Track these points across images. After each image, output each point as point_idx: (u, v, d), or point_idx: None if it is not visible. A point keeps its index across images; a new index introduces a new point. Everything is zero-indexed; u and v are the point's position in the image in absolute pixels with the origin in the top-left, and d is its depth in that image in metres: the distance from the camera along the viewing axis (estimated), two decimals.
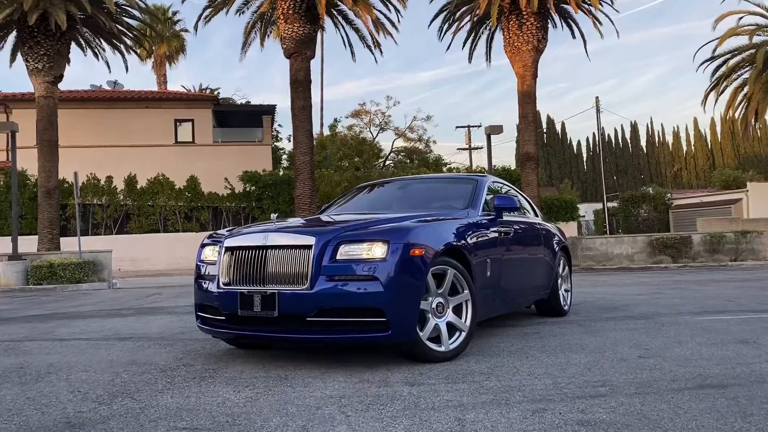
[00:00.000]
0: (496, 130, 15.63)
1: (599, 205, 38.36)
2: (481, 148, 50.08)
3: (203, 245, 4.30)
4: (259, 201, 22.87)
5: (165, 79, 38.41)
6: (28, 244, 18.63)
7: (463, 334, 4.04)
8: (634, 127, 65.62)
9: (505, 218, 5.05)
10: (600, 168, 39.17)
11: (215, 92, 43.78)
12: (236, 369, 3.80)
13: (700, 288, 9.54)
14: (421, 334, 3.78)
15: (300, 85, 20.21)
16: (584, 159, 64.69)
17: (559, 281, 6.24)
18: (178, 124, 24.86)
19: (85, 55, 21.44)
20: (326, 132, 40.03)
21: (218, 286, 3.93)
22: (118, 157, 23.38)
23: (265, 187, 22.80)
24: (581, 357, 3.99)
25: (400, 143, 44.06)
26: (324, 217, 4.61)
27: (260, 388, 3.28)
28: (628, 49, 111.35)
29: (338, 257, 3.63)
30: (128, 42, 20.86)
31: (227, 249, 3.98)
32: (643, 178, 61.02)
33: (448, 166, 39.70)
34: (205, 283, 4.08)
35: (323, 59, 42.25)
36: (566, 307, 6.34)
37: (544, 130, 64.09)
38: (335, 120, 39.57)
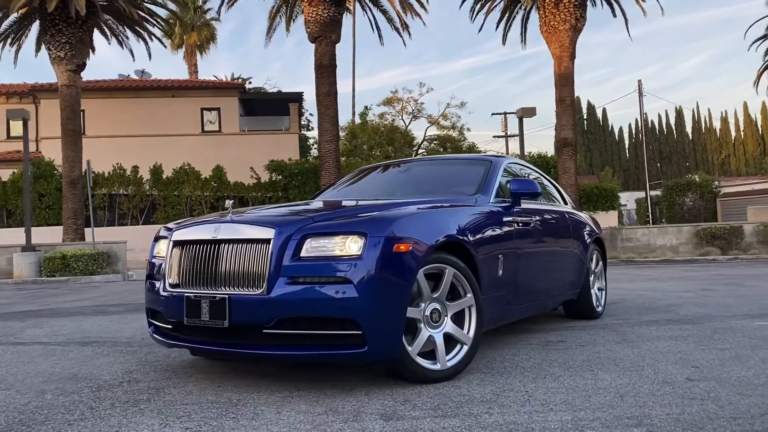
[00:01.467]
0: (529, 112, 14.67)
1: (641, 194, 36.81)
2: (515, 135, 48.82)
3: (156, 238, 3.63)
4: (285, 190, 22.33)
5: (196, 69, 38.24)
6: (55, 234, 18.50)
7: (465, 347, 3.29)
8: (679, 113, 63.10)
9: (524, 206, 4.26)
10: (643, 155, 37.52)
11: (247, 82, 43.56)
12: (185, 389, 3.12)
13: (756, 284, 8.52)
14: (409, 348, 3.04)
15: (325, 70, 19.54)
16: (626, 146, 62.60)
17: (591, 278, 5.41)
18: (204, 112, 24.48)
19: (109, 43, 21.18)
20: (358, 121, 39.30)
21: (164, 288, 3.26)
22: (144, 147, 23.11)
23: (291, 176, 22.24)
24: (613, 378, 3.19)
25: (434, 131, 43.13)
26: (298, 205, 3.85)
27: (196, 419, 2.59)
28: (672, 32, 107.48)
29: (303, 254, 2.91)
30: (151, 29, 20.50)
31: (176, 243, 3.30)
32: (688, 166, 58.69)
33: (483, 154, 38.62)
34: (155, 283, 3.41)
35: (355, 47, 41.47)
36: (599, 309, 5.51)
37: (585, 117, 62.18)
38: (365, 108, 38.81)
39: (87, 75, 20.45)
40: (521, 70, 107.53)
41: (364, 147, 35.74)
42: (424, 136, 43.07)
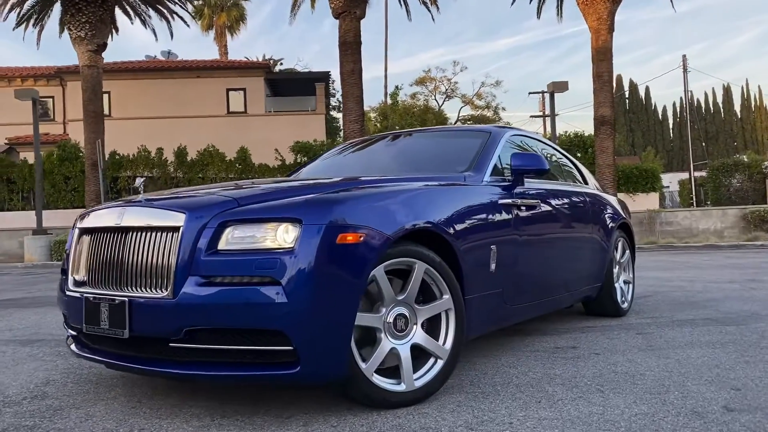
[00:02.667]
0: (561, 87, 13.76)
1: (685, 175, 35.19)
2: (557, 114, 47.37)
3: (74, 226, 3.05)
4: None
5: (226, 50, 37.92)
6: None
7: (440, 362, 2.62)
8: (727, 91, 60.37)
9: (529, 185, 3.55)
10: (687, 135, 35.80)
11: (278, 63, 43.11)
12: (88, 411, 2.54)
13: None
14: (363, 365, 2.39)
15: (349, 48, 18.82)
16: (670, 126, 60.29)
17: (616, 270, 4.67)
18: (230, 93, 24.08)
19: (132, 23, 20.87)
20: (390, 102, 38.48)
21: (68, 287, 2.67)
22: (169, 129, 22.86)
23: (316, 157, 21.69)
24: (627, 403, 2.49)
25: (468, 111, 42.06)
26: (234, 185, 3.15)
27: None
28: (720, 9, 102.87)
29: (222, 246, 2.27)
30: (173, 8, 20.11)
31: (82, 232, 2.71)
32: (736, 145, 56.22)
33: None
34: (64, 280, 2.83)
35: (387, 27, 40.56)
36: (625, 305, 4.76)
37: (627, 96, 60.04)
38: (396, 88, 37.92)
39: (114, 56, 20.32)
40: (562, 49, 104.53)
41: (396, 128, 35.01)
42: (458, 116, 42.03)
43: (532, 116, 51.95)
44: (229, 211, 2.34)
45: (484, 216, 3.03)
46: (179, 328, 2.22)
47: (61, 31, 20.45)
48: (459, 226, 2.81)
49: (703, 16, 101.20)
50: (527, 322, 4.18)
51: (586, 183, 4.71)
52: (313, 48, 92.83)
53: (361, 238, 2.32)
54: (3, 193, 19.94)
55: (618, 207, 4.95)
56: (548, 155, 4.29)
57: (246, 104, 24.15)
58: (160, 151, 21.69)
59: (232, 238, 2.27)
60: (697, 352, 3.40)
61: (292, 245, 2.22)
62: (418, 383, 2.54)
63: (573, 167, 4.70)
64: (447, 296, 2.65)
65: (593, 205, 4.37)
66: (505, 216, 3.20)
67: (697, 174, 33.10)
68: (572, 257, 4.00)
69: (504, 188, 3.33)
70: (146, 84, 23.75)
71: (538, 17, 22.03)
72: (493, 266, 3.06)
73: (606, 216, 4.53)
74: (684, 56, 33.72)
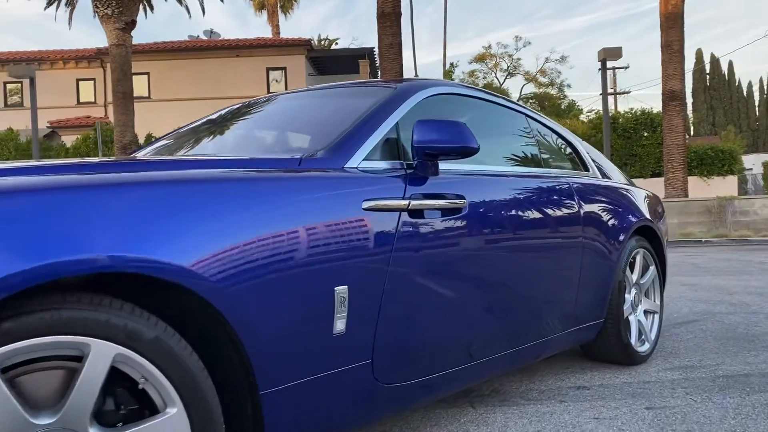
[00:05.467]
0: (613, 54, 11.89)
1: None
2: (629, 92, 44.32)
3: None
4: None
5: (278, 30, 37.06)
6: None
7: None
8: None
9: (448, 175, 2.15)
10: None
11: (334, 42, 42.03)
12: None
13: None
14: None
15: (387, 19, 17.44)
16: (756, 103, 55.51)
17: (629, 297, 3.17)
18: (270, 72, 23.14)
19: (166, 0, 20.14)
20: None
21: None
22: (209, 110, 22.02)
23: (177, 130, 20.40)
24: None
25: (531, 89, 39.78)
26: None
27: None
28: None
29: None
30: None
31: None
32: None
33: (585, 113, 34.92)
34: None
35: (446, 8, 38.46)
36: (644, 348, 3.25)
37: (707, 71, 55.70)
38: (451, 65, 36.06)
39: (157, 36, 19.73)
40: (643, 24, 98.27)
41: None
42: (520, 95, 39.79)
43: (601, 94, 48.88)
44: None
45: (317, 233, 1.65)
46: None
47: (95, 11, 19.99)
48: (236, 261, 1.45)
49: None
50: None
51: (585, 168, 3.21)
52: (373, 27, 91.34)
53: None
54: None
55: (640, 203, 3.42)
56: (520, 129, 2.84)
57: (287, 84, 23.17)
58: None
59: None
60: None
61: None
62: None
63: (567, 146, 3.20)
64: (174, 410, 1.31)
65: (589, 201, 2.87)
66: (378, 228, 1.81)
67: None
68: (536, 288, 2.53)
69: (391, 180, 1.94)
70: (185, 64, 23.10)
71: None
72: (341, 324, 1.69)
73: (612, 218, 3.03)
74: None
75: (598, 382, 2.93)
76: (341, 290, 1.68)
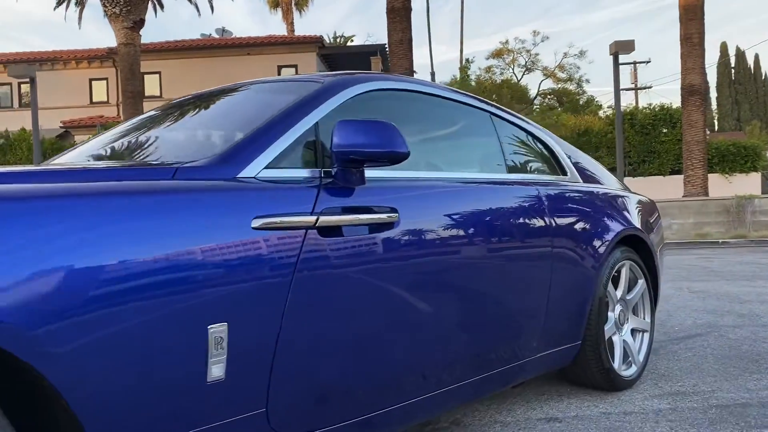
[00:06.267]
0: (626, 47, 11.42)
1: None
2: (650, 87, 43.42)
3: None
4: None
5: (293, 27, 36.89)
6: None
7: None
8: None
9: (377, 183, 1.86)
10: None
11: (350, 39, 41.74)
12: None
13: None
14: None
15: (397, 15, 17.11)
16: None
17: (612, 316, 2.84)
18: (282, 70, 22.93)
19: None
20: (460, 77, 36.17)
21: None
22: None
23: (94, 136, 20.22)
24: None
25: (549, 84, 39.01)
26: None
27: None
28: None
29: None
30: None
31: None
32: None
33: (604, 109, 34.18)
34: None
35: (463, 3, 37.91)
36: (630, 371, 2.91)
37: (732, 65, 54.45)
38: (467, 61, 35.45)
39: (168, 36, 19.68)
40: (669, 18, 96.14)
41: None
42: (538, 91, 39.06)
43: (622, 89, 47.91)
44: None
45: (181, 260, 1.35)
46: None
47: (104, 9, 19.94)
48: (60, 302, 1.16)
49: None
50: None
51: (562, 172, 2.88)
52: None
53: None
54: None
55: (628, 210, 3.08)
56: (482, 129, 2.52)
57: None
58: None
59: None
60: None
61: None
62: None
63: (542, 147, 2.87)
64: None
65: (561, 209, 2.55)
66: (272, 251, 1.52)
67: None
68: (491, 311, 2.20)
69: (297, 192, 1.64)
70: (197, 63, 23.00)
71: None
72: (218, 369, 1.40)
73: (591, 227, 2.69)
74: None
75: (573, 412, 2.61)
76: (217, 329, 1.39)
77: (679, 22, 16.98)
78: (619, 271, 2.90)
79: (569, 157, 2.98)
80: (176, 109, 2.26)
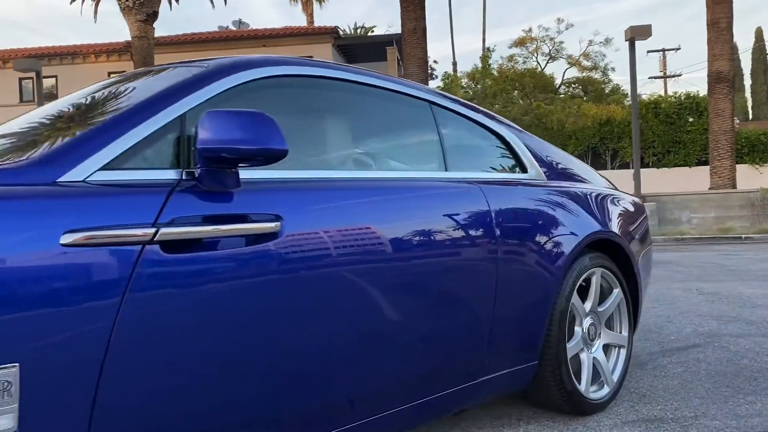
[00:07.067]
0: (642, 33, 10.88)
1: None
2: (679, 75, 42.27)
3: None
4: None
5: (312, 19, 36.67)
6: None
7: None
8: None
9: (254, 185, 1.57)
10: None
11: (370, 30, 41.35)
12: None
13: None
14: None
15: (410, 3, 16.75)
16: None
17: (580, 330, 2.51)
18: None
19: None
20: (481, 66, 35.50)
21: None
22: None
23: None
24: None
25: (574, 73, 38.14)
26: None
27: None
28: None
29: None
30: None
31: None
32: None
33: (628, 98, 33.25)
34: None
35: None
36: (601, 393, 2.57)
37: (767, 50, 52.62)
38: (488, 50, 34.75)
39: (186, 28, 19.58)
40: (701, 4, 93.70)
41: (488, 93, 32.20)
42: (562, 79, 38.22)
43: (651, 77, 46.62)
44: None
45: None
46: None
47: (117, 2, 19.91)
48: None
49: None
50: None
51: (521, 168, 2.54)
52: (433, 16, 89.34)
53: None
54: None
55: (603, 211, 2.73)
56: (415, 121, 2.21)
57: None
58: None
59: None
60: None
61: None
62: None
63: (498, 141, 2.54)
64: None
65: (510, 211, 2.21)
66: (91, 273, 1.23)
67: None
68: (410, 333, 1.85)
69: (137, 199, 1.35)
70: (212, 55, 22.72)
71: None
72: (6, 420, 1.13)
73: (550, 230, 2.35)
74: None
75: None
76: (4, 373, 1.12)
77: (706, 6, 16.32)
78: (588, 281, 2.56)
79: (536, 153, 2.64)
80: (62, 104, 1.98)
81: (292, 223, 1.56)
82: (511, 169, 2.51)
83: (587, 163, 22.82)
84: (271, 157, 1.47)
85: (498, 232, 2.13)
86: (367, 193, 1.80)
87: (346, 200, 1.73)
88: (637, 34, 11.01)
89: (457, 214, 2.01)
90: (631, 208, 3.03)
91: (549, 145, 2.87)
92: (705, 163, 18.71)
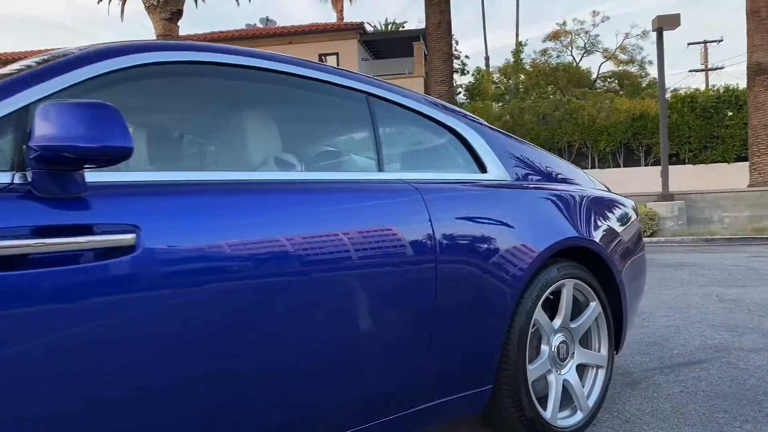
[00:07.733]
0: (670, 22, 10.35)
1: None
2: (721, 68, 40.91)
3: None
4: None
5: (342, 15, 36.53)
6: None
7: None
8: None
9: (121, 183, 1.35)
10: None
11: (401, 26, 41.08)
12: None
13: None
14: None
15: None
16: None
17: (544, 350, 2.22)
18: (322, 59, 22.56)
19: None
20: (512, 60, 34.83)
21: None
22: None
23: None
24: None
25: (610, 67, 37.19)
26: None
27: None
28: None
29: None
30: None
31: None
32: None
33: (670, 92, 32.18)
34: None
35: None
36: (573, 420, 2.27)
37: None
38: (520, 44, 34.03)
39: (216, 27, 19.58)
40: None
41: (520, 88, 31.60)
42: (598, 73, 37.26)
43: (691, 71, 45.13)
44: None
45: None
46: None
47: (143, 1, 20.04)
48: None
49: None
50: None
51: (480, 168, 2.26)
52: (462, 12, 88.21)
53: None
54: None
55: (579, 215, 2.42)
56: (344, 116, 1.96)
57: None
58: None
59: None
60: None
61: None
62: None
63: (451, 138, 2.26)
64: None
65: (454, 216, 1.93)
66: None
67: None
68: (324, 358, 1.61)
69: None
70: None
71: None
72: None
73: (506, 236, 2.05)
74: None
75: None
76: None
77: None
78: (557, 293, 2.27)
79: (502, 152, 2.36)
80: None
81: (154, 234, 1.33)
82: (466, 169, 2.23)
83: (619, 160, 22.04)
84: (112, 156, 1.23)
85: (437, 241, 1.86)
86: (256, 198, 1.55)
87: (232, 208, 1.48)
88: (665, 23, 10.48)
89: (383, 220, 1.75)
90: (618, 211, 2.72)
91: (523, 143, 2.58)
92: (744, 159, 17.93)
